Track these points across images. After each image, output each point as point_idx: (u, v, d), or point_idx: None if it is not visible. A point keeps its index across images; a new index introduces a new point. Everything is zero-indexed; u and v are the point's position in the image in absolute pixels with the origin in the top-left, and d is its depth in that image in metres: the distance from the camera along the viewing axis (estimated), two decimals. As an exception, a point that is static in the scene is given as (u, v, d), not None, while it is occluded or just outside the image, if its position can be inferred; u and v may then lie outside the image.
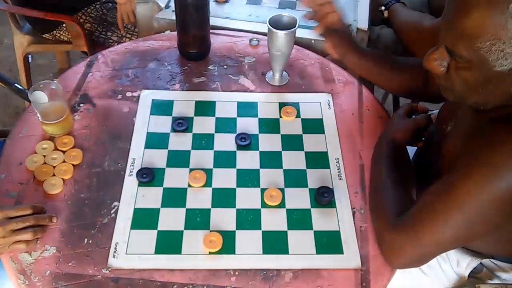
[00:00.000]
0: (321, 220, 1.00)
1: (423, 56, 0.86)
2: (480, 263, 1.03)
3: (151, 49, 1.37)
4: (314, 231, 0.98)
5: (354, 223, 1.00)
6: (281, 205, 1.02)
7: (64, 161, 1.06)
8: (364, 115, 1.22)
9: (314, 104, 1.24)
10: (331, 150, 1.13)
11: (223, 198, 1.02)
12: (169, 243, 0.95)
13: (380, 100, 1.29)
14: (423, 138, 1.11)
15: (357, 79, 1.31)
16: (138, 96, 1.23)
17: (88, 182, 1.04)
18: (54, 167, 1.05)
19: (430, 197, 0.86)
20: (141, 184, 1.03)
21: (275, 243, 0.96)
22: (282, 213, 1.00)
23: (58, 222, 0.96)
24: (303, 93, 1.26)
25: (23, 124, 1.14)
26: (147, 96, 1.23)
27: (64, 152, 1.08)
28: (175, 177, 1.05)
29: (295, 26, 1.18)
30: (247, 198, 1.03)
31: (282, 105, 1.22)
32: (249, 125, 1.17)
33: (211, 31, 1.34)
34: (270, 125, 1.18)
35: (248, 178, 1.06)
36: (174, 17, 1.29)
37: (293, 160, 1.11)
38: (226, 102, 1.23)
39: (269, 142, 1.14)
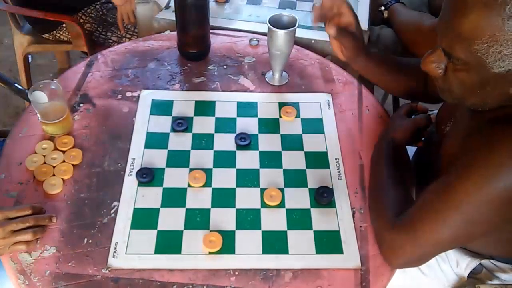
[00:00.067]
0: (321, 220, 1.00)
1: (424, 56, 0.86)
2: (480, 263, 1.03)
3: (151, 49, 1.37)
4: (314, 231, 0.98)
5: (354, 223, 1.00)
6: (281, 205, 1.02)
7: (64, 161, 1.06)
8: (364, 115, 1.22)
9: (313, 104, 1.24)
10: (330, 150, 1.13)
11: (223, 198, 1.02)
12: (169, 243, 0.95)
13: (380, 100, 1.30)
14: (423, 138, 1.11)
15: (357, 79, 1.31)
16: (138, 96, 1.23)
17: (88, 182, 1.04)
18: (54, 167, 1.05)
19: (429, 197, 0.86)
20: (141, 184, 1.03)
21: (275, 243, 0.96)
22: (282, 213, 1.00)
23: (58, 222, 0.96)
24: (303, 93, 1.26)
25: (23, 124, 1.14)
26: (147, 96, 1.23)
27: (64, 152, 1.08)
28: (175, 177, 1.05)
29: (295, 26, 1.18)
30: (247, 198, 1.03)
31: (282, 105, 1.22)
32: (249, 125, 1.17)
33: (211, 31, 1.34)
34: (270, 125, 1.18)
35: (248, 178, 1.06)
36: (174, 17, 1.29)
37: (293, 160, 1.11)
38: (226, 102, 1.23)
39: (269, 142, 1.14)
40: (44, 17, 1.76)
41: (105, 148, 1.10)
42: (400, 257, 0.88)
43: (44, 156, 1.07)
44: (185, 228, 0.97)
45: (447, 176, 0.85)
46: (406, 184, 1.00)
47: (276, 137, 1.15)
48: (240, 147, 1.12)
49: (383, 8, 1.67)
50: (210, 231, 0.96)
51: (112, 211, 0.99)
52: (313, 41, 1.44)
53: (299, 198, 1.03)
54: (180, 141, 1.13)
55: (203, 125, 1.17)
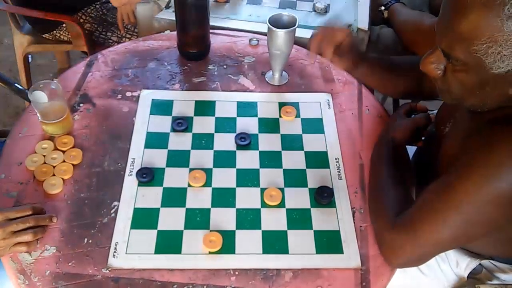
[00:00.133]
0: (321, 219, 1.00)
1: (423, 55, 0.86)
2: (480, 264, 1.03)
3: (151, 49, 1.37)
4: (314, 231, 0.98)
5: (354, 222, 1.00)
6: (281, 204, 1.02)
7: (64, 161, 1.06)
8: (364, 115, 1.22)
9: (313, 104, 1.24)
10: (330, 150, 1.13)
11: (223, 197, 1.02)
12: (169, 243, 0.95)
13: (380, 100, 1.29)
14: (423, 138, 1.11)
15: (357, 79, 1.31)
16: (138, 96, 1.23)
17: (88, 182, 1.04)
18: (54, 167, 1.05)
19: (429, 197, 0.86)
20: (141, 184, 1.03)
21: (275, 242, 0.96)
22: (282, 212, 1.00)
23: (58, 222, 0.96)
24: (303, 93, 1.26)
25: (23, 124, 1.14)
26: (147, 96, 1.23)
27: (64, 152, 1.08)
28: (175, 177, 1.05)
29: (295, 25, 1.18)
30: (247, 197, 1.03)
31: (282, 104, 1.22)
32: (249, 125, 1.17)
33: (211, 31, 1.34)
34: (270, 125, 1.18)
35: (248, 178, 1.06)
36: (174, 17, 1.29)
37: (293, 160, 1.11)
38: (226, 102, 1.23)
39: (269, 142, 1.14)
40: (44, 17, 1.76)
41: (105, 148, 1.10)
42: (400, 257, 0.88)
43: (44, 156, 1.07)
44: (185, 228, 0.97)
45: (447, 176, 0.85)
46: (406, 184, 1.00)
47: (276, 137, 1.15)
48: (240, 147, 1.12)
49: (383, 8, 1.67)
50: (210, 231, 0.96)
51: (112, 211, 0.99)
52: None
53: (299, 198, 1.03)
54: (180, 141, 1.13)
55: (203, 125, 1.17)
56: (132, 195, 1.01)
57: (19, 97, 1.72)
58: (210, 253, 0.94)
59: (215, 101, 1.23)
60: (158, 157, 1.09)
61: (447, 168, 0.87)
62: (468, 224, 0.82)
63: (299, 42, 1.37)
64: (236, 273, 0.91)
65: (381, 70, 1.19)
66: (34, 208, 0.94)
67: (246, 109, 1.21)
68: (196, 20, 1.26)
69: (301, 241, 0.96)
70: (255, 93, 1.26)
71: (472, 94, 0.82)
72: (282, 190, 1.03)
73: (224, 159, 1.09)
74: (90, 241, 0.94)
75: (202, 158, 1.10)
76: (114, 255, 0.92)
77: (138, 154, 1.09)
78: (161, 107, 1.20)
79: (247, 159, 1.10)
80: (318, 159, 1.11)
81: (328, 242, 0.96)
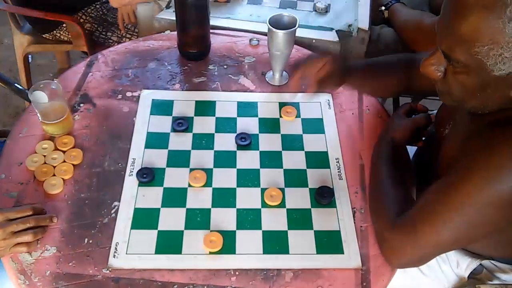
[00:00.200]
0: (321, 220, 1.00)
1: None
2: (480, 264, 1.03)
3: (151, 49, 1.37)
4: (315, 231, 0.98)
5: (354, 223, 1.00)
6: (281, 205, 1.02)
7: (64, 161, 1.06)
8: (364, 115, 1.22)
9: (314, 104, 1.24)
10: (331, 150, 1.13)
11: (223, 198, 1.02)
12: (170, 243, 0.95)
13: (380, 100, 1.29)
14: (423, 138, 1.11)
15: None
16: (138, 96, 1.23)
17: (88, 182, 1.04)
18: (54, 167, 1.05)
19: (430, 198, 0.86)
20: (141, 184, 1.03)
21: (275, 243, 0.96)
22: (282, 213, 1.00)
23: (59, 222, 0.96)
24: (303, 93, 1.26)
25: (23, 124, 1.14)
26: (147, 96, 1.23)
27: (64, 152, 1.08)
28: (175, 177, 1.05)
29: (295, 26, 1.18)
30: (247, 198, 1.03)
31: (282, 105, 1.22)
32: (249, 125, 1.17)
33: (211, 31, 1.34)
34: (270, 125, 1.18)
35: (248, 178, 1.06)
36: (174, 17, 1.29)
37: (293, 160, 1.11)
38: (226, 102, 1.23)
39: (269, 142, 1.14)
40: (44, 17, 1.76)
41: (105, 148, 1.10)
42: (400, 258, 0.88)
43: (44, 156, 1.07)
44: (185, 228, 0.97)
45: (448, 178, 0.84)
46: (406, 184, 1.00)
47: (276, 137, 1.15)
48: (240, 147, 1.12)
49: (383, 8, 1.67)
50: (211, 231, 0.96)
51: (113, 211, 0.99)
52: (314, 41, 1.44)
53: (299, 198, 1.03)
54: (180, 141, 1.13)
55: (204, 125, 1.17)
56: (133, 195, 1.01)
57: (19, 97, 1.72)
58: (210, 253, 0.94)
59: (215, 101, 1.23)
60: (158, 157, 1.09)
61: (447, 170, 0.87)
62: (469, 226, 0.82)
63: (299, 42, 1.37)
64: (237, 273, 0.91)
65: (368, 77, 1.17)
66: (34, 208, 0.94)
67: (247, 109, 1.21)
68: (196, 20, 1.26)
69: (301, 241, 0.96)
70: (255, 93, 1.26)
71: (473, 96, 0.81)
72: (282, 190, 1.03)
73: (225, 159, 1.09)
74: (91, 241, 0.94)
75: (203, 158, 1.10)
76: (114, 255, 0.92)
77: (139, 154, 1.09)
78: (161, 107, 1.20)
79: (248, 159, 1.10)
80: (318, 159, 1.11)
81: (329, 242, 0.96)
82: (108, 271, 0.90)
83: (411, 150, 1.12)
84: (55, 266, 0.90)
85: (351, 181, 1.07)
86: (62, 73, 1.31)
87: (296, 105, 1.22)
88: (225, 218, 0.99)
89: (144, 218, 0.98)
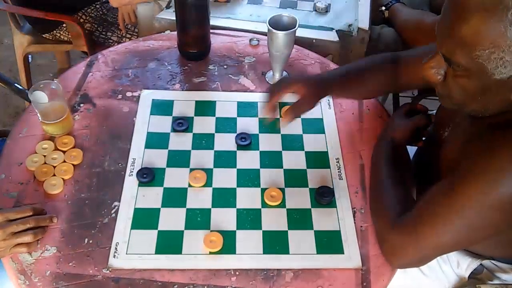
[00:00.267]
0: (321, 220, 1.00)
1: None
2: (481, 264, 1.03)
3: (151, 49, 1.37)
4: (315, 231, 0.98)
5: (355, 223, 1.00)
6: (282, 205, 1.02)
7: (64, 161, 1.06)
8: (364, 115, 1.22)
9: (314, 104, 1.23)
10: (331, 150, 1.13)
11: (224, 198, 1.02)
12: (170, 243, 0.95)
13: (380, 100, 1.29)
14: (423, 138, 1.10)
15: None
16: (138, 96, 1.23)
17: (89, 182, 1.04)
18: (54, 167, 1.05)
19: (431, 200, 0.85)
20: (141, 184, 1.03)
21: (275, 243, 0.96)
22: (283, 213, 1.00)
23: (59, 222, 0.96)
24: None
25: (23, 124, 1.14)
26: (147, 96, 1.22)
27: (64, 152, 1.08)
28: (175, 177, 1.05)
29: (295, 27, 1.17)
30: (247, 198, 1.03)
31: (282, 105, 1.22)
32: (249, 125, 1.17)
33: (211, 31, 1.34)
34: (270, 125, 1.18)
35: (248, 178, 1.06)
36: (174, 17, 1.29)
37: (293, 160, 1.11)
38: (226, 102, 1.23)
39: (269, 142, 1.14)
40: (44, 17, 1.76)
41: (105, 148, 1.10)
42: (401, 258, 0.88)
43: (44, 156, 1.07)
44: (185, 228, 0.97)
45: (448, 180, 0.84)
46: (407, 184, 1.00)
47: (276, 137, 1.15)
48: (240, 147, 1.12)
49: (383, 8, 1.67)
50: (211, 231, 0.96)
51: (113, 211, 0.99)
52: (314, 41, 1.44)
53: (299, 198, 1.03)
54: (180, 141, 1.13)
55: (204, 125, 1.17)
56: (133, 195, 1.01)
57: (19, 97, 1.72)
58: (210, 253, 0.93)
59: (215, 101, 1.23)
60: (158, 157, 1.09)
61: (448, 172, 0.87)
62: (470, 228, 0.81)
63: (300, 41, 1.37)
64: (237, 273, 0.91)
65: (349, 84, 1.12)
66: (34, 209, 0.94)
67: (247, 109, 1.21)
68: (196, 20, 1.26)
69: (301, 241, 0.96)
70: (255, 93, 1.26)
71: (474, 99, 0.81)
72: (282, 190, 1.03)
73: (225, 159, 1.09)
74: (91, 241, 0.94)
75: (203, 158, 1.09)
76: (114, 255, 0.92)
77: (139, 154, 1.09)
78: (161, 107, 1.20)
79: (248, 159, 1.10)
80: (318, 159, 1.11)
81: (329, 242, 0.96)
82: (108, 271, 0.90)
83: (411, 150, 1.12)
84: (55, 266, 0.90)
85: (351, 181, 1.07)
86: (62, 73, 1.31)
87: (296, 105, 1.22)
88: (225, 218, 0.99)
89: (144, 218, 0.98)
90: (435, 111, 1.13)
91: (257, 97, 1.24)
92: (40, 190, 1.01)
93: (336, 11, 1.57)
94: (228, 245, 0.94)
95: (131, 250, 0.93)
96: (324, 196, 1.02)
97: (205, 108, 1.21)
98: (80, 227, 0.96)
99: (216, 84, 1.27)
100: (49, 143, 1.09)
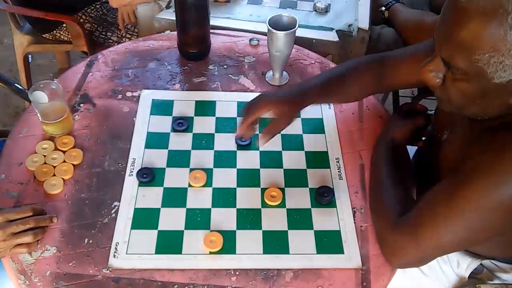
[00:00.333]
0: (321, 219, 1.00)
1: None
2: (481, 264, 1.03)
3: (151, 49, 1.37)
4: (315, 231, 0.98)
5: (355, 222, 1.00)
6: (282, 205, 1.02)
7: (64, 161, 1.06)
8: (364, 115, 1.22)
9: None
10: (331, 150, 1.13)
11: (224, 198, 1.02)
12: (170, 243, 0.95)
13: (380, 100, 1.29)
14: (423, 138, 1.11)
15: None
16: (138, 96, 1.23)
17: (89, 182, 1.04)
18: (54, 167, 1.05)
19: (432, 200, 0.85)
20: (141, 184, 1.03)
21: (275, 242, 0.96)
22: (283, 213, 1.00)
23: (59, 222, 0.96)
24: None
25: (23, 124, 1.14)
26: (147, 96, 1.22)
27: (64, 152, 1.08)
28: (175, 177, 1.05)
29: (295, 27, 1.17)
30: (247, 198, 1.03)
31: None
32: (249, 125, 1.17)
33: (211, 31, 1.34)
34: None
35: (248, 178, 1.06)
36: (174, 17, 1.29)
37: (293, 159, 1.10)
38: (226, 102, 1.23)
39: (269, 142, 1.13)
40: (44, 17, 1.76)
41: (105, 148, 1.10)
42: (401, 258, 0.88)
43: (44, 156, 1.07)
44: (185, 228, 0.97)
45: (449, 181, 0.84)
46: (406, 184, 1.00)
47: (276, 136, 1.14)
48: (240, 147, 1.12)
49: (383, 8, 1.68)
50: (211, 231, 0.96)
51: (113, 211, 0.99)
52: (314, 41, 1.44)
53: (299, 198, 1.03)
54: (180, 141, 1.13)
55: (204, 125, 1.17)
56: (133, 195, 1.01)
57: (19, 97, 1.72)
58: (210, 253, 0.93)
59: (215, 101, 1.23)
60: (158, 157, 1.09)
61: (448, 173, 0.86)
62: (471, 230, 0.81)
63: (300, 41, 1.37)
64: (237, 273, 0.91)
65: (330, 90, 1.09)
66: (34, 209, 0.94)
67: (247, 109, 1.21)
68: (196, 20, 1.26)
69: (301, 241, 0.96)
70: (255, 93, 1.25)
71: (473, 103, 0.80)
72: (282, 190, 1.03)
73: (225, 159, 1.09)
74: (91, 241, 0.94)
75: (203, 158, 1.09)
76: (114, 255, 0.92)
77: (139, 154, 1.09)
78: (161, 107, 1.20)
79: (248, 159, 1.10)
80: (318, 159, 1.11)
81: (329, 242, 0.96)
82: (108, 271, 0.90)
83: (411, 150, 1.12)
84: (55, 266, 0.90)
85: (351, 181, 1.07)
86: (62, 73, 1.31)
87: (296, 105, 1.22)
88: (225, 218, 0.99)
89: (144, 218, 0.98)
90: (434, 112, 1.13)
91: (257, 97, 1.24)
92: (40, 190, 1.01)
93: (336, 11, 1.57)
94: (228, 245, 0.94)
95: (131, 250, 0.93)
96: (324, 196, 1.02)
97: (205, 108, 1.21)
98: (80, 227, 0.96)
99: (216, 84, 1.27)
100: (49, 143, 1.09)
